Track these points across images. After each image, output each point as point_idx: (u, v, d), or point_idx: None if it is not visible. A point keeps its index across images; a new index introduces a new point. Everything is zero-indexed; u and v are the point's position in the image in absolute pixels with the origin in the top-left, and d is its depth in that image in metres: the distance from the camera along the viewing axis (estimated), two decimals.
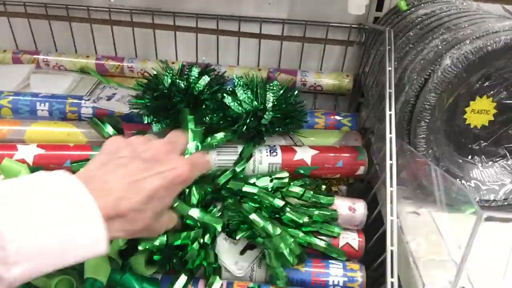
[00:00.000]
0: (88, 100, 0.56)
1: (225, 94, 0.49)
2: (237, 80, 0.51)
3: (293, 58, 0.70)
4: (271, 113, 0.48)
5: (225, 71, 0.63)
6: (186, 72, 0.51)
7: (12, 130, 0.50)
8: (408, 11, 0.58)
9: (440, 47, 0.45)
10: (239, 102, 0.49)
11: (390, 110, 0.45)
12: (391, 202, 0.41)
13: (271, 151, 0.50)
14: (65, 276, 0.42)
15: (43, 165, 0.46)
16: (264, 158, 0.49)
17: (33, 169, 0.45)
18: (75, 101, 0.56)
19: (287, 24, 0.67)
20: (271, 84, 0.52)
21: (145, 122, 0.50)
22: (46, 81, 0.64)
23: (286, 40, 0.68)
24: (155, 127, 0.50)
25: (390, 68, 0.47)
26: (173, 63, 0.69)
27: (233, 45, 0.70)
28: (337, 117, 0.60)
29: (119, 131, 0.51)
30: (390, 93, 0.46)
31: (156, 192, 0.32)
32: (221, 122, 0.49)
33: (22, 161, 0.45)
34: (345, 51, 0.68)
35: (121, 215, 0.30)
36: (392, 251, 0.38)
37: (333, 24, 0.66)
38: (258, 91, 0.49)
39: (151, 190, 0.32)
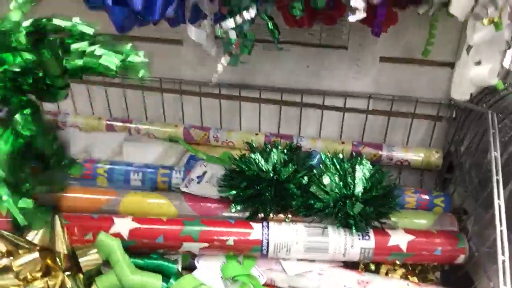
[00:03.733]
0: (178, 171, 0.58)
1: (311, 182, 0.49)
2: (323, 167, 0.50)
3: (377, 131, 0.69)
4: (360, 204, 0.47)
5: (310, 149, 0.63)
6: (271, 155, 0.52)
7: (109, 199, 0.52)
8: (505, 91, 0.56)
9: None
10: (325, 190, 0.48)
11: (499, 199, 0.42)
12: None
13: (363, 235, 0.48)
14: None
15: (137, 239, 0.47)
16: (356, 242, 0.47)
17: (126, 243, 0.46)
18: (166, 171, 0.58)
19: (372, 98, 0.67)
20: (359, 162, 0.51)
21: (233, 210, 0.51)
22: (138, 149, 0.67)
23: (371, 114, 0.67)
24: (235, 208, 0.51)
25: (496, 154, 0.45)
26: (256, 134, 0.70)
27: (315, 117, 0.70)
28: (429, 197, 0.57)
29: None
30: (497, 180, 0.43)
31: None
32: (306, 211, 0.49)
33: (118, 235, 0.46)
34: (433, 126, 0.66)
35: None
36: None
37: (422, 100, 0.64)
38: (347, 178, 0.49)
39: None
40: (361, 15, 0.39)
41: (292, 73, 0.68)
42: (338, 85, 0.68)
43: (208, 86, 0.71)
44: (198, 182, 0.56)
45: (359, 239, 0.47)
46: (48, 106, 0.76)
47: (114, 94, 0.75)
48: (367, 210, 0.47)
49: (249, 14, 0.42)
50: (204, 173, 0.58)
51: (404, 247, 0.47)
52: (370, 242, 0.47)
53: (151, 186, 0.58)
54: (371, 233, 0.48)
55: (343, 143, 0.67)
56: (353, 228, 0.47)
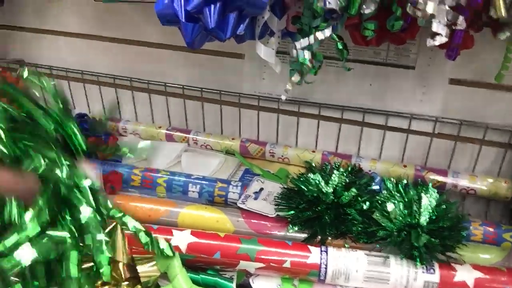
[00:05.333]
0: (235, 185, 0.58)
1: (373, 208, 0.48)
2: (387, 193, 0.49)
3: (441, 156, 0.66)
4: (426, 235, 0.44)
5: (370, 170, 0.61)
6: (332, 176, 0.51)
7: (168, 211, 0.53)
8: None
9: None
10: (389, 218, 0.46)
11: None
12: None
13: (428, 268, 0.45)
14: None
15: (195, 254, 0.47)
16: (420, 275, 0.45)
17: (184, 257, 0.46)
18: (224, 185, 0.58)
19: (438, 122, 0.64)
20: (426, 190, 0.49)
21: (290, 231, 0.51)
22: (196, 160, 0.68)
23: (436, 138, 0.64)
24: (293, 229, 0.51)
25: None
26: (313, 151, 0.69)
27: (376, 137, 0.68)
28: (497, 230, 0.53)
29: None
30: None
31: None
32: (367, 239, 0.48)
33: (176, 248, 0.46)
34: (503, 155, 0.62)
35: None
36: None
37: (492, 126, 0.61)
38: (413, 206, 0.46)
39: None
40: (442, 40, 0.38)
41: (354, 91, 0.67)
42: (403, 106, 0.65)
43: (266, 100, 0.70)
44: (255, 199, 0.56)
45: (423, 272, 0.45)
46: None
47: (175, 104, 0.76)
48: (433, 242, 0.45)
49: (324, 34, 0.41)
50: (261, 189, 0.57)
51: (471, 284, 0.45)
52: (434, 276, 0.45)
53: (208, 199, 0.58)
54: (436, 267, 0.45)
55: (405, 166, 0.65)
56: (418, 260, 0.45)
